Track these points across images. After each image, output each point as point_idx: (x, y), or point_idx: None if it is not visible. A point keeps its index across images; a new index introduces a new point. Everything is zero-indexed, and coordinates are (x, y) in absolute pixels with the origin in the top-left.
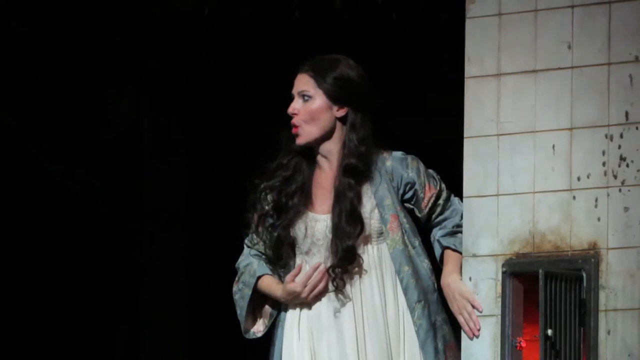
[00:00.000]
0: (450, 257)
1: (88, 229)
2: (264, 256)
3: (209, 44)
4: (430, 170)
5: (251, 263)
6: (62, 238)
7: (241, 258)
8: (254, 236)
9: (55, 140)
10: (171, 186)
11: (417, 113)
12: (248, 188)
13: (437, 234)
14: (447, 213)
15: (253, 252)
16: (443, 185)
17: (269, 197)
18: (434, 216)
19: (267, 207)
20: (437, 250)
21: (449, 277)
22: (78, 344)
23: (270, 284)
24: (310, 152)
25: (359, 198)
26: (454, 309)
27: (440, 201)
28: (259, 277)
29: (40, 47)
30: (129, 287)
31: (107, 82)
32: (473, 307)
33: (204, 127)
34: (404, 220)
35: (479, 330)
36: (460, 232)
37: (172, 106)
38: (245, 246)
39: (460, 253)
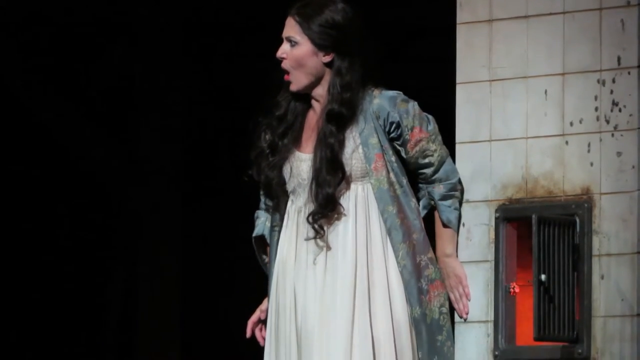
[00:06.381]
0: (446, 231)
1: (83, 181)
2: (267, 204)
3: None
4: (427, 116)
5: (257, 217)
6: (55, 187)
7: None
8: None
9: (47, 88)
10: (164, 133)
11: (409, 59)
12: (251, 126)
13: (433, 193)
14: (441, 173)
15: (262, 200)
16: (437, 137)
17: (267, 136)
18: (425, 171)
19: (264, 145)
20: (425, 205)
21: (444, 257)
22: (74, 294)
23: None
24: (305, 93)
25: (340, 144)
26: (447, 285)
27: (433, 146)
28: (256, 238)
29: None
30: (124, 235)
31: (98, 30)
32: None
33: (197, 71)
34: (392, 159)
35: (467, 313)
36: (455, 196)
37: (164, 51)
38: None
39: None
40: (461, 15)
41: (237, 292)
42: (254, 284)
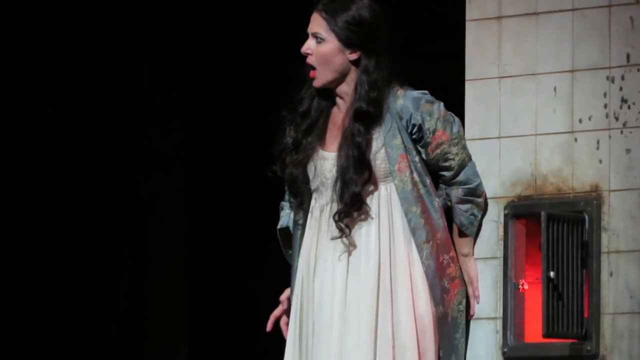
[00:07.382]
0: (461, 233)
1: (89, 174)
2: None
3: None
4: (453, 117)
5: (282, 208)
6: (58, 183)
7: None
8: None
9: (52, 84)
10: (169, 126)
11: (417, 56)
12: (275, 121)
13: (451, 195)
14: (461, 176)
15: (286, 193)
16: (461, 140)
17: (291, 132)
18: (445, 174)
19: (288, 140)
20: (442, 205)
21: (461, 255)
22: (80, 288)
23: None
24: (329, 90)
25: (368, 143)
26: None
27: (455, 150)
28: (280, 230)
29: None
30: (129, 232)
31: (105, 28)
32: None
33: (204, 66)
34: (415, 159)
35: (472, 315)
36: (475, 202)
37: (171, 47)
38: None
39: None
40: (470, 12)
41: (244, 285)
42: (262, 276)
